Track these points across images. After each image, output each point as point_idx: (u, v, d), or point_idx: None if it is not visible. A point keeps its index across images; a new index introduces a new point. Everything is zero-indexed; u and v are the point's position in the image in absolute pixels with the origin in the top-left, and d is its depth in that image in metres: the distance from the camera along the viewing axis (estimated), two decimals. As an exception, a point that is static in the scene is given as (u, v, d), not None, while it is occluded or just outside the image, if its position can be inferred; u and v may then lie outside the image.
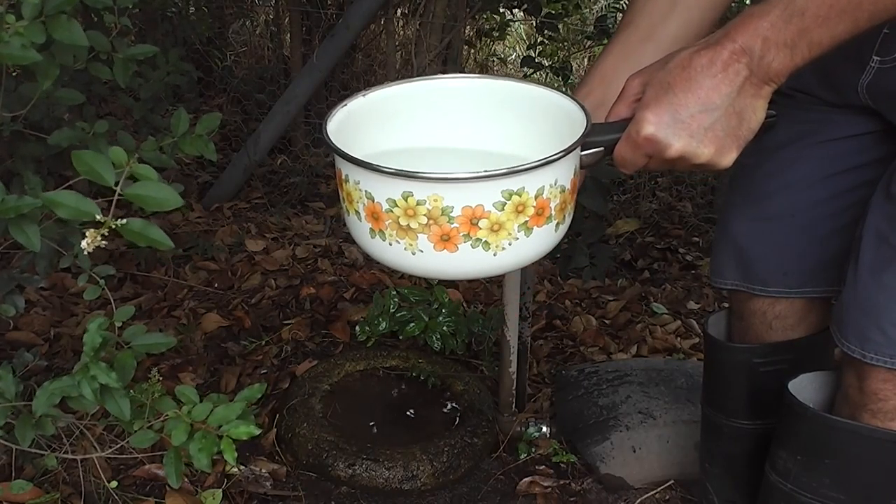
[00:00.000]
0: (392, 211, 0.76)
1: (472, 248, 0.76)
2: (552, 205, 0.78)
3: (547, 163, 0.75)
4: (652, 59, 0.85)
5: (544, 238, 0.80)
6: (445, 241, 0.76)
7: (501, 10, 3.37)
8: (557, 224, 0.81)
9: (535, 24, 3.29)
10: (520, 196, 0.75)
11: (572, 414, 1.83)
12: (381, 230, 0.78)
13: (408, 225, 0.76)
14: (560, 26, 3.34)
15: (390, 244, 0.78)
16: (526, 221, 0.77)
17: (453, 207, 0.74)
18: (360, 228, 0.80)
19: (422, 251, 0.77)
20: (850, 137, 1.08)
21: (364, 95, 0.89)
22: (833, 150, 1.10)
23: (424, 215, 0.75)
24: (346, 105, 0.88)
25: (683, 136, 0.78)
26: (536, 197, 0.76)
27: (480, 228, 0.75)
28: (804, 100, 1.09)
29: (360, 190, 0.78)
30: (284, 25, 3.40)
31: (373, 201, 0.77)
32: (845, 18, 0.74)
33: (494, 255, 0.77)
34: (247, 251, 2.54)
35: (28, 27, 0.90)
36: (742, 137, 0.80)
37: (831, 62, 0.82)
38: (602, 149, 0.84)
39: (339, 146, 0.79)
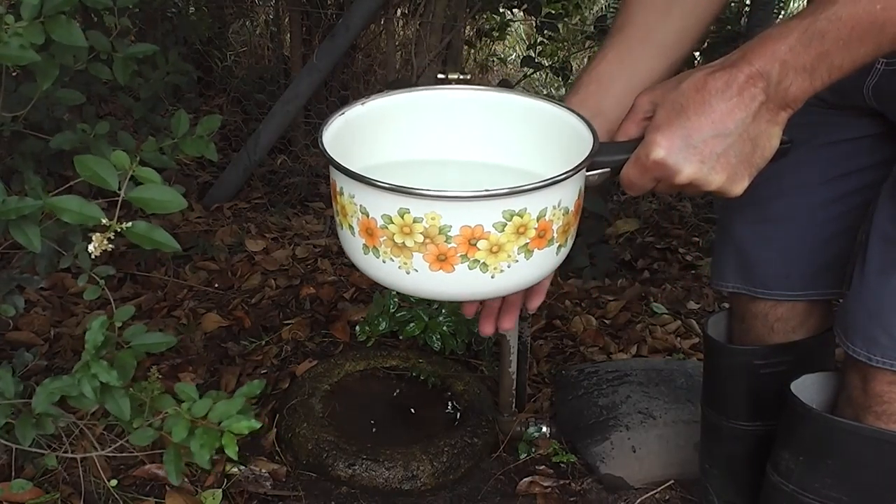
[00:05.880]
0: (387, 227, 0.72)
1: (469, 269, 0.73)
2: (554, 227, 0.75)
3: (551, 183, 0.72)
4: (648, 63, 0.81)
5: (545, 261, 0.76)
6: (442, 261, 0.73)
7: (501, 10, 3.37)
8: (559, 247, 0.77)
9: (535, 24, 3.29)
10: (521, 217, 0.71)
11: (572, 414, 1.83)
12: (374, 246, 0.75)
13: (403, 243, 0.72)
14: (560, 26, 3.34)
15: (384, 261, 0.75)
16: (527, 244, 0.73)
17: (451, 227, 0.71)
18: (353, 243, 0.77)
19: (416, 270, 0.74)
20: (853, 140, 1.07)
21: (363, 104, 0.86)
22: (835, 153, 1.09)
23: (421, 233, 0.71)
24: (343, 113, 0.84)
25: (694, 162, 0.75)
26: (539, 219, 0.73)
27: (479, 249, 0.72)
28: (806, 102, 1.09)
29: (354, 204, 0.74)
30: (284, 25, 3.39)
31: (367, 216, 0.73)
32: (867, 41, 0.71)
33: (492, 277, 0.74)
34: (247, 251, 2.53)
35: (27, 28, 0.90)
36: (755, 165, 0.77)
37: None
38: (608, 169, 0.81)
39: (334, 157, 0.75)
